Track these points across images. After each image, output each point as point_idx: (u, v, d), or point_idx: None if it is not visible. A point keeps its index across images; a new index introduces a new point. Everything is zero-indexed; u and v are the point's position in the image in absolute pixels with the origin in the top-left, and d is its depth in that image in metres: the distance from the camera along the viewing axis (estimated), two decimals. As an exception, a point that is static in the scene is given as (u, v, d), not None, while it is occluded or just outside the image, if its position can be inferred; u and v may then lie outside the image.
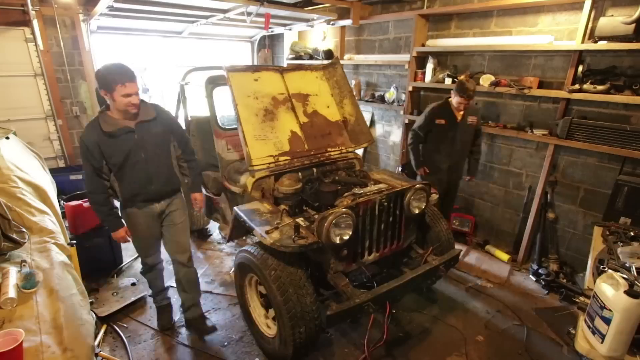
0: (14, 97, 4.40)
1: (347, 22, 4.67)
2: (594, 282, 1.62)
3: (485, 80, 3.53)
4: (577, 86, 2.98)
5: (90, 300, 2.62)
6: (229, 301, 3.02)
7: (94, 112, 5.13)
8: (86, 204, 3.09)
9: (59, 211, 2.52)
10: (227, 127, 3.34)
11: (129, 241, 2.41)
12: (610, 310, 1.44)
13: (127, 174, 2.21)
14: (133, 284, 3.15)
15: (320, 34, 5.70)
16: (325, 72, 3.26)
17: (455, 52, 3.98)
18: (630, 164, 2.97)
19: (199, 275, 3.37)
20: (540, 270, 3.33)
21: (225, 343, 2.58)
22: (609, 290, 1.47)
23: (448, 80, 3.85)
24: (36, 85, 4.50)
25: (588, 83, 2.93)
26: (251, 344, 2.57)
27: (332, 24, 4.98)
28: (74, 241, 2.57)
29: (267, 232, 2.15)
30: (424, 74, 4.14)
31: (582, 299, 1.75)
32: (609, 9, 2.89)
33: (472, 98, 3.30)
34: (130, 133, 2.16)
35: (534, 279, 3.38)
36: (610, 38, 2.77)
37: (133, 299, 2.93)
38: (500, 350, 2.57)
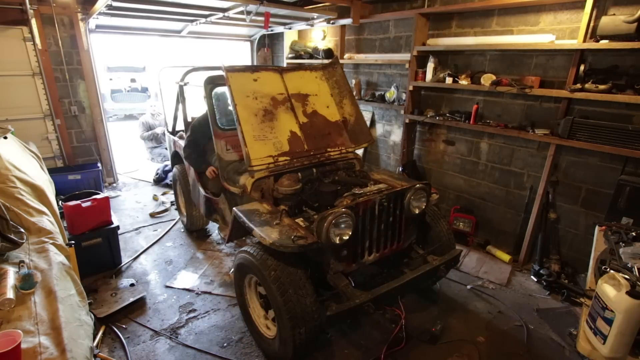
0: (12, 97, 4.39)
1: (347, 21, 4.66)
2: (596, 282, 1.61)
3: (487, 80, 3.52)
4: (578, 85, 2.97)
5: (89, 301, 2.60)
6: (228, 302, 3.01)
7: (92, 111, 5.12)
8: (85, 204, 3.08)
9: (57, 211, 2.51)
10: (226, 128, 3.32)
11: None
12: (612, 311, 1.43)
13: None
14: (132, 285, 3.13)
15: (320, 33, 5.69)
16: (324, 72, 3.25)
17: (456, 52, 3.96)
18: (632, 164, 2.96)
19: (197, 275, 3.38)
20: (541, 271, 3.32)
21: (225, 344, 2.57)
22: (611, 291, 1.46)
23: (449, 80, 3.84)
24: (34, 84, 4.49)
25: (590, 82, 2.91)
26: (251, 344, 2.56)
27: (332, 23, 4.97)
28: (73, 241, 2.57)
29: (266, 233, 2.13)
30: (424, 73, 4.13)
31: (583, 299, 1.74)
32: (611, 8, 2.87)
33: None
34: None
35: (536, 280, 3.37)
36: (612, 37, 2.75)
37: (132, 299, 2.92)
38: (501, 351, 2.56)
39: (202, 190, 3.47)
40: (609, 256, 1.95)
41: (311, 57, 5.55)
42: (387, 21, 4.67)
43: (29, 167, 2.77)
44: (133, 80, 10.71)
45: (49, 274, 1.73)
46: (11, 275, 1.60)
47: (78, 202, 3.07)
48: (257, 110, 2.74)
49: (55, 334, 1.43)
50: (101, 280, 3.18)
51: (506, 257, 3.71)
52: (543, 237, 3.47)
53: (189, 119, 3.92)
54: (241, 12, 4.39)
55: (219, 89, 3.21)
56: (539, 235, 3.51)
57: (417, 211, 2.59)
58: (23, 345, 1.30)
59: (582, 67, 3.02)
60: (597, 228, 2.36)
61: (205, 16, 4.88)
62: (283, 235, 2.14)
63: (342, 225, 2.18)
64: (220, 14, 4.70)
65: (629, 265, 1.76)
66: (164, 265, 3.55)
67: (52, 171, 3.62)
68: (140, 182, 5.81)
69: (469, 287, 3.27)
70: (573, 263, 3.46)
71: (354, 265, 2.44)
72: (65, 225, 3.02)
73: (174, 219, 4.51)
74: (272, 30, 6.04)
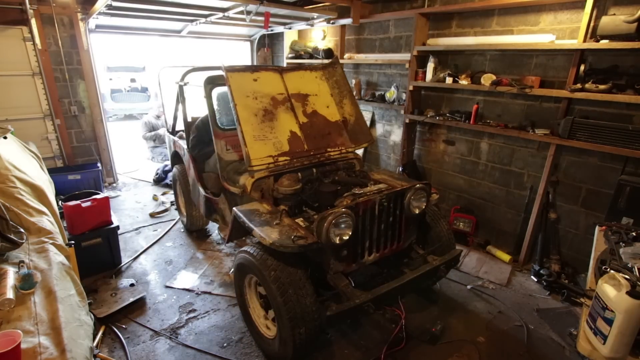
0: (11, 97, 4.39)
1: (348, 20, 4.66)
2: (596, 282, 1.61)
3: (487, 80, 3.52)
4: (578, 85, 2.96)
5: (89, 301, 2.60)
6: (228, 302, 3.00)
7: (92, 111, 5.12)
8: (85, 204, 3.07)
9: (57, 211, 2.51)
10: (226, 128, 3.32)
11: None
12: (612, 311, 1.43)
13: None
14: (132, 285, 3.13)
15: (320, 32, 5.68)
16: (324, 72, 3.25)
17: (456, 51, 3.96)
18: (633, 164, 2.95)
19: (197, 275, 3.38)
20: (541, 271, 3.32)
21: (225, 344, 2.57)
22: (611, 291, 1.45)
23: (449, 80, 3.84)
24: (34, 84, 4.49)
25: (590, 82, 2.91)
26: (251, 345, 2.56)
27: (332, 23, 4.96)
28: (72, 241, 2.56)
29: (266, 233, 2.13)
30: (424, 73, 4.12)
31: (584, 299, 1.74)
32: (611, 8, 2.87)
33: None
34: None
35: (536, 280, 3.37)
36: (612, 37, 2.75)
37: (132, 299, 2.91)
38: (501, 351, 2.56)
39: (202, 190, 3.46)
40: (609, 256, 1.94)
41: (311, 57, 5.55)
42: (387, 21, 4.67)
43: (29, 167, 2.77)
44: (133, 80, 10.71)
45: (49, 274, 1.73)
46: (11, 276, 1.60)
47: (78, 202, 3.07)
48: (257, 110, 2.74)
49: (55, 334, 1.43)
50: (101, 280, 3.18)
51: (506, 257, 3.70)
52: (543, 237, 3.47)
53: (189, 119, 3.91)
54: (241, 12, 4.38)
55: (219, 89, 3.21)
56: (539, 235, 3.51)
57: (417, 211, 2.58)
58: (23, 346, 1.29)
59: (582, 67, 3.02)
60: (597, 228, 2.36)
61: (205, 16, 4.88)
62: (283, 235, 2.14)
63: (342, 225, 2.18)
64: (220, 14, 4.70)
65: (629, 265, 1.75)
66: (163, 265, 3.55)
67: (52, 171, 3.62)
68: (140, 182, 5.81)
69: (469, 287, 3.27)
70: (573, 263, 3.45)
71: (354, 265, 2.44)
72: (65, 225, 3.01)
73: (174, 219, 4.51)
74: (272, 30, 6.04)
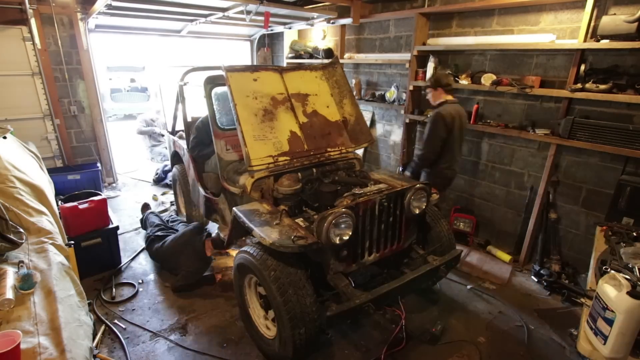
0: (11, 96, 4.38)
1: (348, 20, 4.66)
2: (597, 283, 1.60)
3: (487, 79, 3.52)
4: (579, 85, 2.96)
5: (89, 302, 2.60)
6: (228, 302, 3.00)
7: (92, 111, 5.12)
8: (82, 206, 3.06)
9: (57, 211, 2.50)
10: (226, 127, 3.31)
11: None
12: (612, 311, 1.42)
13: None
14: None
15: (320, 32, 5.68)
16: (324, 71, 3.24)
17: (456, 51, 3.96)
18: (633, 164, 2.95)
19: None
20: (542, 271, 3.32)
21: (224, 344, 2.57)
22: (612, 291, 1.45)
23: (449, 80, 3.83)
24: (34, 84, 4.48)
25: (590, 82, 2.91)
26: (250, 345, 2.56)
27: (332, 23, 4.96)
28: (72, 242, 2.56)
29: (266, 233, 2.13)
30: (424, 73, 4.12)
31: (584, 299, 1.74)
32: (612, 8, 2.87)
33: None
34: None
35: (536, 280, 3.37)
36: (613, 37, 2.75)
37: (132, 299, 2.91)
38: (502, 352, 2.56)
39: (202, 190, 3.46)
40: (609, 256, 1.94)
41: (311, 56, 5.55)
42: (387, 21, 4.67)
43: (29, 167, 2.76)
44: (133, 80, 10.71)
45: (49, 274, 1.72)
46: (10, 276, 1.59)
47: (75, 203, 3.05)
48: (257, 110, 2.73)
49: (55, 335, 1.43)
50: (101, 280, 3.17)
51: (506, 257, 3.70)
52: (543, 237, 3.47)
53: (189, 119, 3.91)
54: (241, 12, 4.38)
55: (219, 89, 3.20)
56: (539, 236, 3.51)
57: (417, 211, 2.58)
58: (22, 346, 1.29)
59: (582, 67, 3.02)
60: (597, 228, 2.36)
61: (205, 16, 4.88)
62: (283, 235, 2.14)
63: (342, 226, 2.17)
64: (220, 14, 4.70)
65: (630, 265, 1.75)
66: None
67: (51, 171, 3.61)
68: (139, 182, 5.81)
69: (469, 287, 3.27)
70: (574, 263, 3.45)
71: (354, 266, 2.43)
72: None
73: (174, 219, 4.50)
74: (272, 30, 6.04)
